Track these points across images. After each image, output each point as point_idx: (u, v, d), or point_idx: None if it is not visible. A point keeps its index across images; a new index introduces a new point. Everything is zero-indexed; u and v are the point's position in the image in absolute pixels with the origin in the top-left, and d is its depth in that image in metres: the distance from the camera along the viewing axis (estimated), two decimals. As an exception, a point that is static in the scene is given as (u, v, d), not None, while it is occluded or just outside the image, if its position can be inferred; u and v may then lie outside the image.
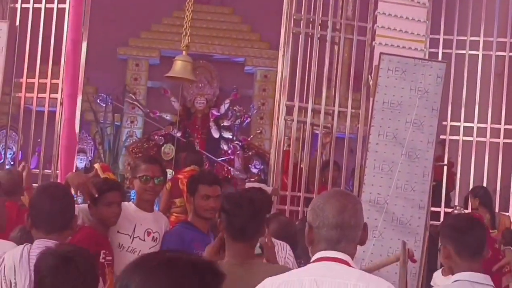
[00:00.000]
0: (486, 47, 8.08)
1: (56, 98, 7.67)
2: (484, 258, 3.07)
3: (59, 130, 7.40)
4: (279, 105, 7.93)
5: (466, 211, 7.54)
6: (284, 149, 8.04)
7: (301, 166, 7.91)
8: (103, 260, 3.94)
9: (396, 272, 5.56)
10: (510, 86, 8.11)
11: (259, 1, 12.00)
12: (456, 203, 8.03)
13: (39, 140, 8.09)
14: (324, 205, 2.45)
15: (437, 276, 5.80)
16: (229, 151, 12.27)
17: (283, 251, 4.20)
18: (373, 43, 7.55)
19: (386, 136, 6.90)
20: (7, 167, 9.48)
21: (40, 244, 3.21)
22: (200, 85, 12.23)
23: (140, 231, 4.19)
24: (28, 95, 7.90)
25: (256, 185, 7.41)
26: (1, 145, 10.20)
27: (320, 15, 7.91)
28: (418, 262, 6.45)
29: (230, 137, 12.39)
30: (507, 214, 7.76)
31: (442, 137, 7.85)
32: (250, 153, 12.28)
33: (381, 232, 6.67)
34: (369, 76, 7.55)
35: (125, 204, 4.23)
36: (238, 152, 12.15)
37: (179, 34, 8.08)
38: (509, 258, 6.37)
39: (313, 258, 2.44)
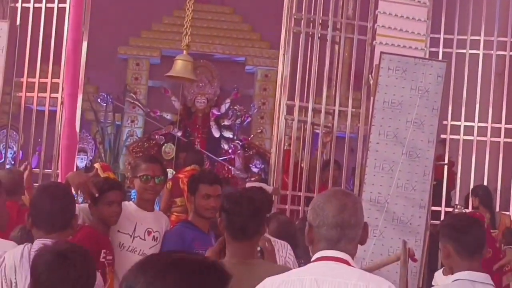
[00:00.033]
0: (487, 46, 8.08)
1: (57, 98, 7.67)
2: (483, 257, 3.08)
3: (60, 130, 7.39)
4: (279, 105, 7.93)
5: (467, 211, 7.55)
6: (285, 148, 8.04)
7: (302, 165, 7.91)
8: (103, 260, 3.94)
9: (397, 271, 5.56)
10: (511, 85, 8.10)
11: (260, 1, 11.99)
12: (457, 202, 8.04)
13: (39, 139, 8.08)
14: (324, 204, 2.45)
15: (438, 275, 5.79)
16: (230, 151, 12.25)
17: (283, 250, 4.20)
18: (374, 42, 7.56)
19: (387, 135, 6.90)
20: (7, 166, 9.49)
21: (41, 244, 3.21)
22: (200, 84, 12.21)
23: (140, 230, 4.18)
24: (28, 94, 7.89)
25: (257, 184, 7.40)
26: (2, 145, 10.19)
27: (321, 15, 7.92)
28: (418, 262, 6.45)
29: (231, 136, 12.38)
30: (507, 213, 7.76)
31: (442, 136, 7.86)
32: (251, 153, 12.26)
33: (381, 232, 6.67)
34: (370, 76, 7.55)
35: (125, 203, 4.23)
36: (238, 151, 12.14)
37: (179, 34, 8.08)
38: (509, 257, 6.36)
39: (313, 258, 2.44)
